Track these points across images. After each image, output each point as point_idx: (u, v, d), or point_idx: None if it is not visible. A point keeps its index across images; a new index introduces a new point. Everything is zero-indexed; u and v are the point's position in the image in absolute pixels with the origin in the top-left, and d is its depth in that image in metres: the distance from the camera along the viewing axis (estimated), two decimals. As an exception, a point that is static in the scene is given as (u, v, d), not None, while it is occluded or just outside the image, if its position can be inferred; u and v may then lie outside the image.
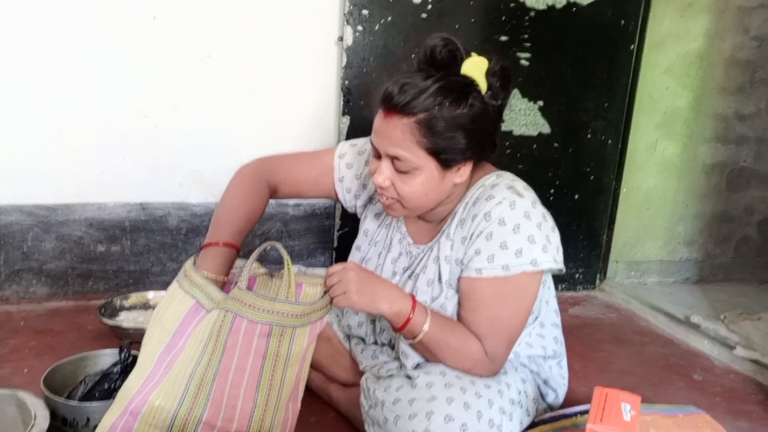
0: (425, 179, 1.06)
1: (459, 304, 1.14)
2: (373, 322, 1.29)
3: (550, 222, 1.12)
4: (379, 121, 1.06)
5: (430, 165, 1.05)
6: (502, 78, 1.06)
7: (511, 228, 1.07)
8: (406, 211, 1.13)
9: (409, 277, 1.21)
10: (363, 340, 1.33)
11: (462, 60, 1.04)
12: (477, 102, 1.04)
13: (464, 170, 1.10)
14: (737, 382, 1.75)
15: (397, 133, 1.03)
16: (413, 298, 1.10)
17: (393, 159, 1.06)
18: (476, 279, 1.09)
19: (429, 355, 1.12)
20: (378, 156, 1.10)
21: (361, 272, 1.09)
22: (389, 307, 1.07)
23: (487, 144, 1.10)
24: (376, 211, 1.32)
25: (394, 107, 1.02)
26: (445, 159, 1.05)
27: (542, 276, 1.14)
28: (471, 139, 1.05)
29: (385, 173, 1.07)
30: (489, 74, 1.05)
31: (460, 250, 1.13)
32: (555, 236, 1.11)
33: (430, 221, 1.21)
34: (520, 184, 1.13)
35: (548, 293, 1.25)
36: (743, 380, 1.76)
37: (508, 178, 1.14)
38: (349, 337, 1.37)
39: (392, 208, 1.13)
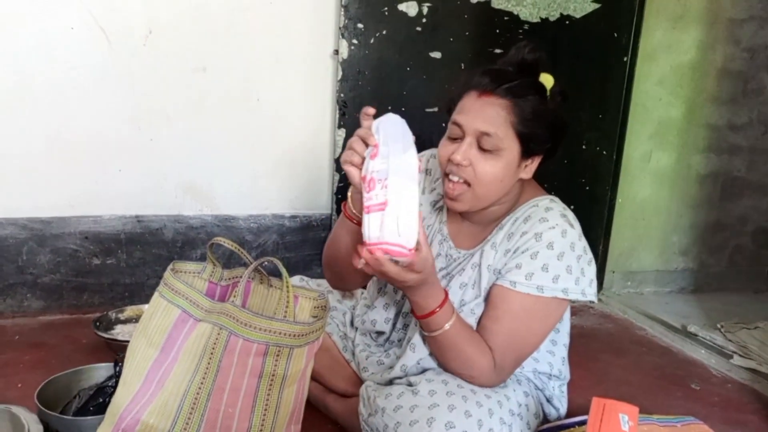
0: (506, 163, 1.09)
1: (483, 310, 1.16)
2: (397, 315, 1.30)
3: (588, 256, 1.16)
4: (471, 101, 1.10)
5: (513, 149, 1.09)
6: (563, 97, 1.15)
7: (556, 254, 1.11)
8: (474, 201, 1.12)
9: (443, 277, 1.23)
10: (379, 337, 1.34)
11: (540, 70, 1.12)
12: (555, 105, 1.12)
13: (531, 167, 1.14)
14: (734, 391, 1.75)
15: (491, 111, 1.07)
16: (446, 294, 1.10)
17: (480, 137, 1.08)
18: (508, 290, 1.12)
19: (439, 353, 1.13)
20: (456, 138, 1.11)
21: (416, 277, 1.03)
22: (416, 297, 1.07)
23: (557, 145, 1.15)
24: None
25: (490, 89, 1.08)
26: (528, 146, 1.10)
27: (568, 305, 1.18)
28: (551, 133, 1.12)
29: (467, 152, 1.08)
30: (552, 90, 1.13)
31: (500, 261, 1.15)
32: (590, 270, 1.15)
33: (476, 223, 1.22)
34: (571, 215, 1.17)
35: (565, 313, 1.27)
36: (740, 389, 1.76)
37: (560, 205, 1.18)
38: (352, 349, 1.37)
39: (458, 199, 1.12)
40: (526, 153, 1.11)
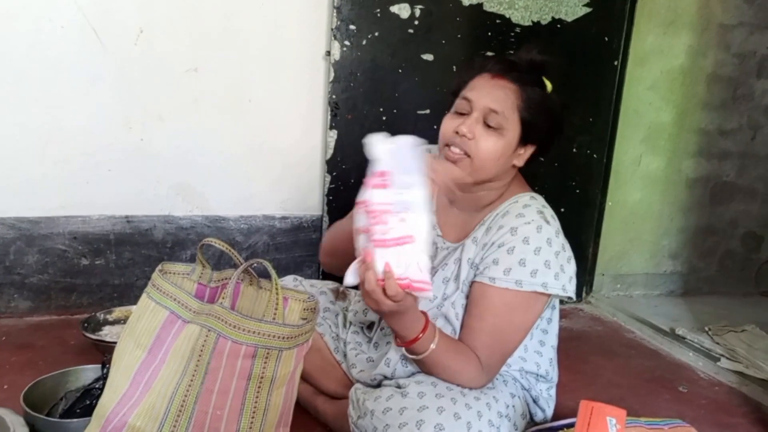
0: (506, 143, 1.14)
1: (466, 309, 1.17)
2: None
3: (567, 253, 1.17)
4: (483, 80, 1.16)
5: (514, 132, 1.14)
6: (562, 106, 1.20)
7: (532, 249, 1.12)
8: (470, 170, 1.15)
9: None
10: (370, 330, 1.34)
11: (544, 72, 1.18)
12: (557, 104, 1.18)
13: (523, 156, 1.19)
14: (722, 393, 1.76)
15: (501, 92, 1.14)
16: (426, 320, 1.10)
17: (487, 114, 1.13)
18: (488, 286, 1.13)
19: (427, 371, 1.14)
20: (462, 114, 1.16)
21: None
22: (397, 329, 1.09)
23: (551, 141, 1.20)
24: None
25: (504, 73, 1.15)
26: (528, 132, 1.15)
27: (549, 300, 1.19)
28: (551, 125, 1.18)
29: (473, 126, 1.13)
30: (550, 95, 1.18)
31: (478, 255, 1.18)
32: (569, 267, 1.16)
33: (464, 210, 1.25)
34: (549, 212, 1.19)
35: (551, 312, 1.28)
36: (728, 392, 1.77)
37: (540, 202, 1.21)
38: (344, 351, 1.37)
39: (457, 164, 1.15)
40: (524, 139, 1.16)
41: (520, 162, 1.19)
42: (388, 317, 1.07)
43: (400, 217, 0.93)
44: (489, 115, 1.13)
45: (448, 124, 1.16)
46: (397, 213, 0.94)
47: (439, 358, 1.10)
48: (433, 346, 1.09)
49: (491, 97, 1.13)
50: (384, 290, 0.96)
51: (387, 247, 0.93)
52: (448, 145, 1.15)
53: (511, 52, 2.05)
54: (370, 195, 0.95)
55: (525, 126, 1.14)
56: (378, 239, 0.94)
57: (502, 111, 1.12)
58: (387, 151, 0.96)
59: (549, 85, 1.18)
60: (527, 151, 1.18)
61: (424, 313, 1.11)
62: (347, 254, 1.19)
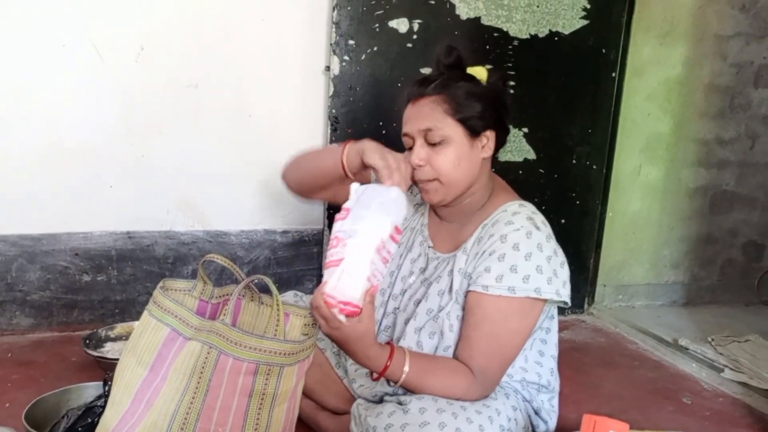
0: (456, 147, 1.16)
1: (463, 319, 1.17)
2: (387, 303, 1.32)
3: (560, 258, 1.17)
4: (409, 110, 1.19)
5: (458, 132, 1.15)
6: (502, 79, 1.23)
7: (523, 255, 1.13)
8: (445, 189, 1.18)
9: (422, 283, 1.26)
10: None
11: (465, 64, 1.20)
12: (493, 86, 1.20)
13: (488, 146, 1.20)
14: (726, 404, 1.75)
15: (426, 110, 1.16)
16: (392, 348, 1.11)
17: (425, 134, 1.15)
18: (482, 295, 1.14)
19: (416, 392, 1.14)
20: (410, 149, 1.18)
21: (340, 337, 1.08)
22: (364, 363, 1.11)
23: (500, 118, 1.21)
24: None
25: (421, 93, 1.17)
26: (470, 125, 1.16)
27: (544, 305, 1.19)
28: (487, 107, 1.17)
29: (419, 153, 1.16)
30: (488, 80, 1.20)
31: (471, 264, 1.18)
32: (563, 271, 1.16)
33: (453, 222, 1.26)
34: (540, 218, 1.19)
35: (550, 322, 1.28)
36: (732, 403, 1.76)
37: (529, 209, 1.21)
38: (345, 366, 1.37)
39: (431, 191, 1.18)
40: (472, 132, 1.16)
41: (487, 152, 1.19)
42: (344, 349, 1.08)
43: (343, 243, 1.02)
44: (426, 135, 1.15)
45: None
46: (343, 239, 1.02)
47: (418, 381, 1.11)
48: (406, 368, 1.10)
49: (419, 119, 1.16)
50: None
51: (328, 268, 1.03)
52: (416, 182, 1.19)
53: (509, 64, 2.12)
54: (334, 226, 1.06)
55: (464, 123, 1.15)
56: (325, 262, 1.04)
57: (434, 125, 1.14)
58: (355, 192, 1.07)
59: (480, 72, 1.19)
60: (489, 141, 1.19)
61: (390, 343, 1.14)
62: (312, 172, 1.31)
